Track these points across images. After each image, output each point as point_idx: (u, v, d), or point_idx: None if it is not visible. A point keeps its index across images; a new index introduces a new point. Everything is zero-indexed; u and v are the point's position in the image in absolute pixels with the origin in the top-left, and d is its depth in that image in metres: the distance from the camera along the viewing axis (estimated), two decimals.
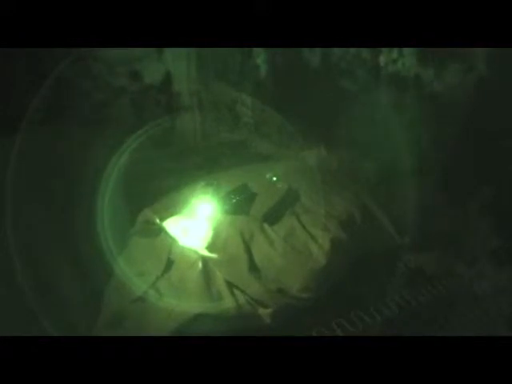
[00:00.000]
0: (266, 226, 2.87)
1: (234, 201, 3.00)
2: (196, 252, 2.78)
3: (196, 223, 2.94)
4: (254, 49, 4.16)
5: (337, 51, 3.64)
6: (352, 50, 3.56)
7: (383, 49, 3.36)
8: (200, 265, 2.71)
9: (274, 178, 3.24)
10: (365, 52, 3.48)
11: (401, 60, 3.30)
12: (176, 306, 2.59)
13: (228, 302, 2.60)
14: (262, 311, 2.62)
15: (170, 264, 2.77)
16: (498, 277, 3.02)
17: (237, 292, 2.65)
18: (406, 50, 3.26)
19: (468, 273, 3.08)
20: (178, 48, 4.35)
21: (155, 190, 3.37)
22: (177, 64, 4.42)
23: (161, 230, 2.95)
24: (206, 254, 2.76)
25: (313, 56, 3.80)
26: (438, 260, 3.14)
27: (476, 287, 2.99)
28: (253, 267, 2.71)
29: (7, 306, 2.60)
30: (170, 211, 3.04)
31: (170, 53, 4.33)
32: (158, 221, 2.98)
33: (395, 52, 3.32)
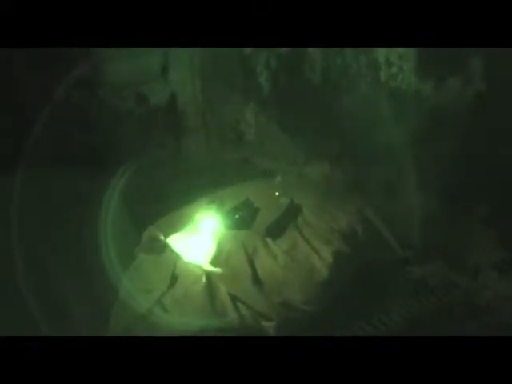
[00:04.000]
0: (268, 239, 2.91)
1: (237, 216, 3.04)
2: (200, 267, 2.81)
3: (200, 239, 2.99)
4: (257, 68, 4.21)
5: (337, 68, 3.69)
6: (352, 66, 3.61)
7: (382, 65, 3.40)
8: (204, 279, 2.74)
9: (277, 193, 3.27)
10: (365, 68, 3.52)
11: (400, 75, 3.34)
12: (180, 321, 2.62)
13: (232, 316, 2.62)
14: (265, 324, 2.64)
15: (174, 279, 2.80)
16: (501, 288, 3.02)
17: (240, 305, 2.67)
18: (406, 65, 3.30)
19: (470, 284, 3.08)
20: (182, 69, 4.41)
21: (161, 208, 3.40)
22: (181, 85, 4.47)
23: (165, 247, 2.99)
24: (210, 268, 2.80)
25: (313, 73, 3.85)
26: (441, 272, 3.14)
27: (479, 298, 2.99)
28: (256, 281, 2.73)
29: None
30: (174, 228, 3.09)
31: (174, 74, 4.39)
32: (162, 237, 3.02)
33: (395, 67, 3.36)
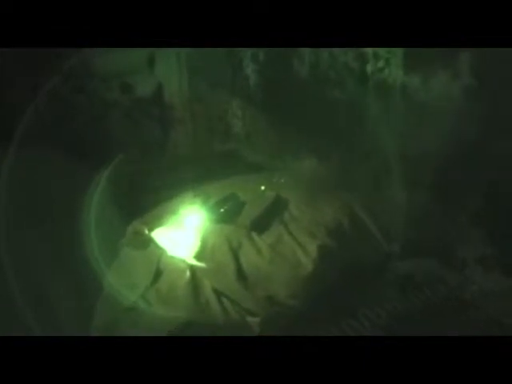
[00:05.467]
0: (253, 234, 2.87)
1: (222, 210, 3.01)
2: (184, 261, 2.78)
3: (184, 233, 2.95)
4: (244, 60, 4.19)
5: (325, 61, 3.67)
6: (340, 59, 3.58)
7: (370, 58, 3.38)
8: (188, 274, 2.71)
9: (263, 188, 3.25)
10: (352, 61, 3.50)
11: (387, 69, 3.32)
12: (165, 316, 2.60)
13: (216, 311, 2.61)
14: (250, 319, 2.62)
15: (158, 274, 2.78)
16: (487, 283, 3.02)
17: (225, 300, 2.65)
18: (392, 59, 3.28)
19: (457, 279, 3.08)
20: (169, 60, 4.37)
21: (146, 202, 3.37)
22: (168, 76, 4.43)
23: (150, 241, 2.96)
24: (194, 263, 2.77)
25: (301, 66, 3.83)
26: (428, 267, 3.14)
27: (465, 293, 2.99)
28: (240, 275, 2.71)
29: None
30: (158, 222, 3.05)
31: (161, 65, 4.35)
32: (146, 232, 2.99)
33: (381, 61, 3.34)
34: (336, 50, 3.57)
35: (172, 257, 2.84)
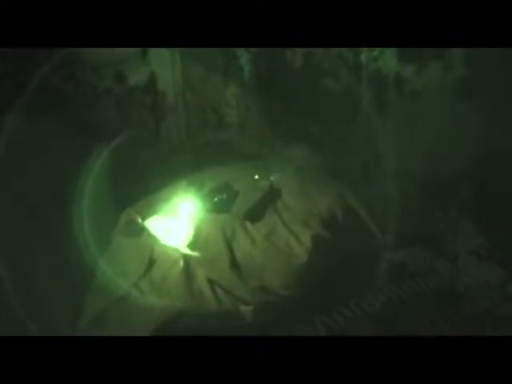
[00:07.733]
0: (247, 223, 2.87)
1: (216, 199, 3.00)
2: (177, 251, 2.77)
3: (178, 222, 2.95)
4: (238, 50, 4.16)
5: (318, 51, 3.65)
6: (334, 49, 3.57)
7: (364, 47, 3.37)
8: (181, 263, 2.71)
9: (256, 177, 3.24)
10: (346, 51, 3.48)
11: (381, 58, 3.31)
12: (158, 305, 2.59)
13: (209, 300, 2.60)
14: (243, 309, 2.62)
15: (151, 263, 2.76)
16: (480, 273, 3.03)
17: (218, 290, 2.65)
18: (387, 49, 3.27)
19: (450, 270, 3.09)
20: (162, 49, 4.34)
21: (139, 191, 3.36)
22: (161, 65, 4.40)
23: (143, 230, 2.94)
24: (188, 252, 2.76)
25: (295, 57, 3.81)
26: (420, 257, 3.15)
27: (458, 284, 3.00)
28: (234, 265, 2.70)
29: None
30: (152, 211, 3.04)
31: (154, 54, 4.32)
32: (140, 220, 2.97)
33: (376, 51, 3.33)
34: None
35: (165, 246, 2.82)
